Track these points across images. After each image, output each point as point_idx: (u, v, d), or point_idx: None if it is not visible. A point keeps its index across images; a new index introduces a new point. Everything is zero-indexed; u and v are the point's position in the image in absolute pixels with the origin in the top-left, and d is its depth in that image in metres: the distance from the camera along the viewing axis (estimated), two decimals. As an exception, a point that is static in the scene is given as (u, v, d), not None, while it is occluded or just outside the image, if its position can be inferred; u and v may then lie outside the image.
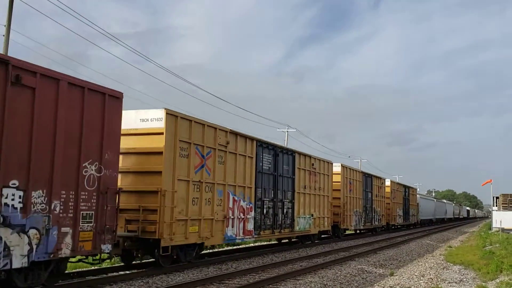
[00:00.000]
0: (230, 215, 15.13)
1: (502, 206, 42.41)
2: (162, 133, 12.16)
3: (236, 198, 15.49)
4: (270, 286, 11.16)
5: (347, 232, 32.98)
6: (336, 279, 12.37)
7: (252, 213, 16.54)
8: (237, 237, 15.55)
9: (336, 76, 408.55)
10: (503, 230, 33.79)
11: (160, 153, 12.12)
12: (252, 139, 16.73)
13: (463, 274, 14.13)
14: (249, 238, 16.46)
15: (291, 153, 20.09)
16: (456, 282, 12.45)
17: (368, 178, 32.12)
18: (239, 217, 15.68)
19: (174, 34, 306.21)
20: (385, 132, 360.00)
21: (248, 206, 16.30)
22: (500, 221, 37.64)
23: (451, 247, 24.80)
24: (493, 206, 43.78)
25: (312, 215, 22.03)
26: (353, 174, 28.80)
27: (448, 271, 14.91)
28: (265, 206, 17.52)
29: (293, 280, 11.98)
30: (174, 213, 12.36)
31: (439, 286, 11.60)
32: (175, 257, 13.05)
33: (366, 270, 14.41)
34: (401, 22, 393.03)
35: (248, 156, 16.42)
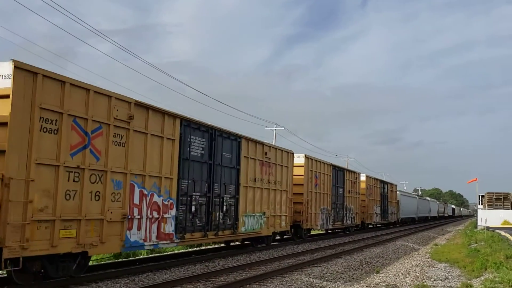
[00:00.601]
0: (136, 214, 11.47)
1: (488, 205, 42.32)
2: (8, 96, 8.46)
3: (145, 192, 11.84)
4: (257, 283, 11.14)
5: (315, 232, 29.63)
6: (322, 277, 12.39)
7: (173, 211, 12.91)
8: (146, 243, 11.88)
9: (324, 75, 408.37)
10: (488, 228, 33.42)
11: (5, 124, 8.43)
12: (174, 116, 13.09)
13: (449, 271, 14.11)
14: (167, 243, 12.80)
15: (235, 138, 16.48)
16: (441, 280, 12.48)
17: (339, 172, 28.67)
18: (151, 216, 12.05)
19: (162, 31, 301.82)
20: (372, 131, 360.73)
21: (166, 203, 12.67)
22: (485, 219, 37.67)
23: (437, 245, 24.62)
24: (479, 204, 43.46)
25: (265, 214, 18.46)
26: (320, 167, 25.31)
27: (433, 268, 14.89)
28: (193, 203, 13.91)
29: (280, 278, 11.98)
30: (30, 210, 8.68)
31: (425, 283, 11.62)
32: (41, 271, 9.40)
33: (352, 268, 14.44)
34: (389, 21, 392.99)
35: (168, 138, 12.78)
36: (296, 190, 22.74)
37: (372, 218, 36.50)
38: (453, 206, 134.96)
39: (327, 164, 26.64)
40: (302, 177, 23.02)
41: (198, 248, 18.87)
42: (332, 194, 27.03)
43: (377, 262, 16.43)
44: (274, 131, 42.89)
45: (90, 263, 13.02)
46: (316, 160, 24.89)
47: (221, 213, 15.39)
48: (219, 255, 16.02)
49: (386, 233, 32.71)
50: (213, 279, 11.43)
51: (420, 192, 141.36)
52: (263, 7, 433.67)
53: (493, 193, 43.30)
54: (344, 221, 29.27)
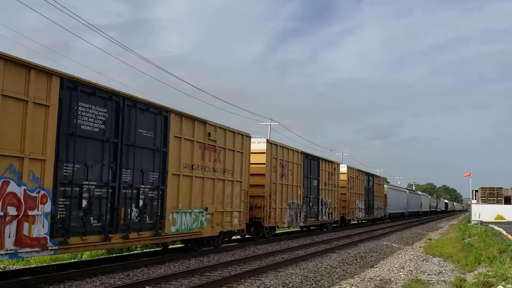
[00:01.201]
0: (-32, 210, 7.77)
1: (481, 199, 42.22)
2: None
3: (-10, 179, 8.14)
4: (252, 278, 11.07)
5: (285, 230, 26.09)
6: (317, 271, 12.34)
7: (47, 207, 9.21)
8: (-8, 252, 8.20)
9: (319, 70, 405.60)
10: (481, 223, 33.32)
11: None
12: (49, 72, 9.36)
13: (442, 266, 14.07)
14: (36, 251, 9.09)
15: (160, 111, 12.76)
16: (435, 274, 12.46)
17: (312, 161, 25.05)
18: (3, 214, 8.35)
19: (157, 26, 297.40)
20: (367, 126, 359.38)
21: (34, 194, 8.97)
22: (479, 214, 37.65)
23: (430, 239, 24.48)
24: (472, 199, 43.56)
25: (207, 209, 14.81)
26: (288, 154, 21.68)
27: (427, 263, 14.86)
28: (86, 195, 10.19)
29: (274, 272, 11.95)
30: None
31: (419, 278, 11.65)
32: None
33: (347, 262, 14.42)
34: (383, 17, 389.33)
35: (37, 103, 9.07)
36: (256, 181, 19.13)
37: (355, 214, 32.95)
38: (446, 201, 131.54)
39: (297, 152, 23.01)
40: (264, 166, 19.39)
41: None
42: (303, 187, 23.42)
43: (371, 256, 16.34)
44: (269, 126, 42.33)
45: (84, 258, 13.60)
46: (283, 147, 21.25)
47: (135, 210, 11.70)
48: (213, 250, 15.46)
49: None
50: (208, 274, 11.43)
51: (414, 187, 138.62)
52: (257, 1, 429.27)
53: (486, 188, 43.03)
54: (319, 217, 25.67)
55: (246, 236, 20.20)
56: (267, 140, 19.76)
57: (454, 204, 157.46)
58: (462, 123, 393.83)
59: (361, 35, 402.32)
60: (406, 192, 59.18)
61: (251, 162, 18.70)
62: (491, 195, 42.28)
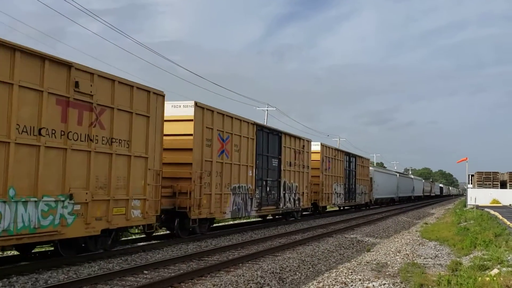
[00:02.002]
0: None
1: (477, 184, 42.37)
2: None
3: None
4: (249, 262, 11.08)
5: (239, 221, 21.43)
6: (314, 255, 12.50)
7: None
8: None
9: (317, 55, 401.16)
10: (477, 207, 33.66)
11: None
12: None
13: (439, 250, 13.93)
14: None
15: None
16: (431, 258, 12.27)
17: (271, 135, 20.21)
18: None
19: (154, 11, 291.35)
20: (364, 111, 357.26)
21: None
22: (475, 198, 37.90)
23: (427, 223, 24.44)
24: (468, 183, 43.53)
25: (72, 197, 9.92)
26: (232, 125, 16.80)
27: (423, 247, 14.65)
28: None
29: (272, 257, 12.01)
30: None
31: (415, 261, 11.35)
32: None
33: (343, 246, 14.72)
34: (380, 0, 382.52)
35: None
36: (180, 159, 14.35)
37: (331, 200, 28.12)
38: (441, 185, 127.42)
39: (248, 123, 18.13)
40: (190, 139, 14.51)
41: None
42: (257, 167, 18.62)
43: (367, 240, 16.70)
44: (266, 112, 41.90)
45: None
46: (223, 114, 16.33)
47: None
48: (211, 235, 15.54)
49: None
50: (206, 258, 11.44)
51: (410, 172, 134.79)
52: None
53: (482, 172, 43.20)
54: (281, 205, 20.89)
55: (162, 233, 15.62)
56: (196, 103, 14.79)
57: (450, 188, 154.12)
58: (460, 107, 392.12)
59: (358, 19, 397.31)
60: (396, 175, 54.46)
61: (171, 132, 13.97)
62: (487, 180, 42.46)
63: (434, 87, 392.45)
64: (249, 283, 8.95)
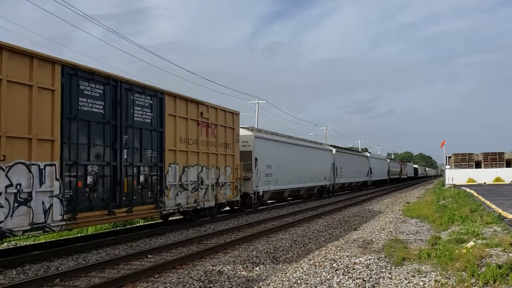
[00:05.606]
0: None
1: (454, 165, 44.73)
2: None
3: None
4: (245, 244, 11.87)
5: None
6: (305, 235, 13.16)
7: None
8: None
9: (304, 50, 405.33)
10: (455, 186, 35.96)
11: None
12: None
13: (419, 226, 14.58)
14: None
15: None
16: (413, 234, 12.88)
17: (140, 95, 12.83)
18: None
19: (153, 14, 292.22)
20: (348, 101, 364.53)
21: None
22: (452, 178, 40.84)
23: (408, 203, 25.13)
24: (446, 165, 45.92)
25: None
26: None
27: (406, 224, 15.33)
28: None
29: (266, 238, 12.85)
30: None
31: (398, 238, 12.01)
32: None
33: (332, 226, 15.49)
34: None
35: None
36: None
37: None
38: (415, 166, 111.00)
39: (101, 76, 11.21)
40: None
41: None
42: (103, 145, 11.22)
43: (354, 220, 17.38)
44: (257, 104, 44.97)
45: (90, 232, 13.65)
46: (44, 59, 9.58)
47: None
48: (210, 220, 16.47)
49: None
50: (205, 242, 12.14)
51: (393, 156, 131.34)
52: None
53: (459, 154, 45.27)
54: (163, 202, 13.46)
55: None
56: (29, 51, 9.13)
57: (427, 169, 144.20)
58: (436, 94, 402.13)
59: (340, 16, 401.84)
60: (331, 150, 35.69)
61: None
62: (463, 161, 44.66)
63: (412, 77, 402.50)
64: (245, 263, 9.46)
